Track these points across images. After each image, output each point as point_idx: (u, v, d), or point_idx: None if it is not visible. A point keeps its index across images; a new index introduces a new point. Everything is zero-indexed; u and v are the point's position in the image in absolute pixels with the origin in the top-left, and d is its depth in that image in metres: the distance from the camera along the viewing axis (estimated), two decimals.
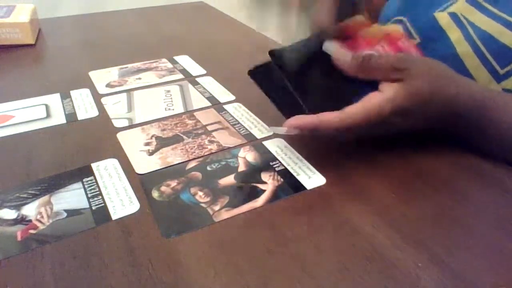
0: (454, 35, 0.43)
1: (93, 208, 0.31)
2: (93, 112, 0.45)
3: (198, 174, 0.35)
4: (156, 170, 0.36)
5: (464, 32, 0.42)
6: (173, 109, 0.46)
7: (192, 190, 0.33)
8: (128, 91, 0.50)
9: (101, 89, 0.50)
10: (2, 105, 0.46)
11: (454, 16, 0.43)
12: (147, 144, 0.39)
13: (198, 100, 0.48)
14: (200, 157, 0.38)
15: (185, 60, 0.59)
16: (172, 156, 0.38)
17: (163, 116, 0.44)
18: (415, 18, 0.47)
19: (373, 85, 0.34)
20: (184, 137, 0.41)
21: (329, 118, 0.32)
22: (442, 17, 0.44)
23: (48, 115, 0.44)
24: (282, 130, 0.34)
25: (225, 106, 0.47)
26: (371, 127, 0.33)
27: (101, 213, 0.31)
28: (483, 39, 0.40)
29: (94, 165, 0.36)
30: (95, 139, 0.40)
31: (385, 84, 0.34)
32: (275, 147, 0.39)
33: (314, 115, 0.33)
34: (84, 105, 0.46)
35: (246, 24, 0.76)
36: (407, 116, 0.34)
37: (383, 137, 0.37)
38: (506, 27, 0.39)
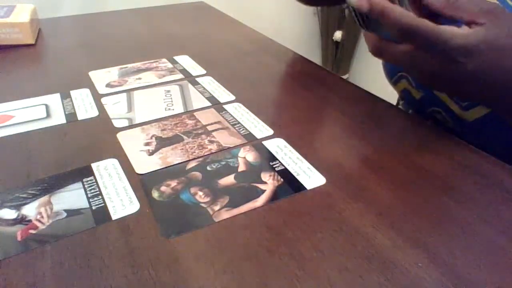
0: None
1: (93, 208, 0.31)
2: (93, 112, 0.45)
3: (198, 174, 0.35)
4: (156, 170, 0.36)
5: None
6: (173, 109, 0.46)
7: (192, 190, 0.33)
8: (128, 91, 0.50)
9: (101, 89, 0.50)
10: (2, 105, 0.46)
11: None
12: (147, 144, 0.39)
13: (198, 100, 0.48)
14: (200, 157, 0.38)
15: (185, 60, 0.59)
16: (172, 156, 0.38)
17: (163, 116, 0.44)
18: None
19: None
20: (184, 137, 0.41)
21: (400, 9, 0.32)
22: None
23: (48, 115, 0.44)
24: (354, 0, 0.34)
25: (225, 106, 0.47)
26: (433, 60, 0.33)
27: (101, 213, 0.31)
28: None
29: (94, 165, 0.36)
30: (95, 139, 0.40)
31: (465, 26, 0.33)
32: (275, 147, 0.39)
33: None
34: (84, 105, 0.46)
35: (246, 24, 0.76)
36: (474, 58, 0.32)
37: (439, 80, 0.36)
38: None
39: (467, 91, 0.36)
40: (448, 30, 0.32)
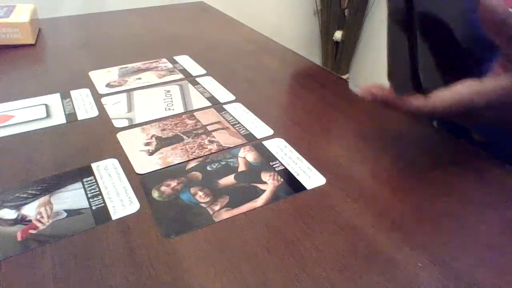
0: None
1: (93, 208, 0.31)
2: (93, 112, 0.45)
3: (198, 174, 0.35)
4: (156, 170, 0.36)
5: None
6: (173, 109, 0.46)
7: (192, 190, 0.33)
8: (128, 91, 0.50)
9: (101, 89, 0.50)
10: (2, 105, 0.46)
11: None
12: (147, 144, 0.39)
13: (198, 100, 0.48)
14: (200, 157, 0.38)
15: (185, 60, 0.59)
16: (172, 156, 0.38)
17: (163, 116, 0.44)
18: None
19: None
20: (184, 137, 0.41)
21: (406, 101, 0.31)
22: None
23: (48, 115, 0.44)
24: (357, 89, 0.33)
25: (225, 106, 0.47)
26: (454, 115, 0.32)
27: (101, 213, 0.31)
28: None
29: (94, 165, 0.36)
30: (95, 139, 0.40)
31: (491, 76, 0.30)
32: (275, 147, 0.39)
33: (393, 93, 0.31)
34: (84, 105, 0.46)
35: (246, 24, 0.76)
36: (497, 110, 0.31)
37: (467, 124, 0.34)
38: None
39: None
40: (458, 94, 0.30)
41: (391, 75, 0.32)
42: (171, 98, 0.48)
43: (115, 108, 0.46)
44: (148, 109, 0.46)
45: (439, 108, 0.30)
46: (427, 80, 0.30)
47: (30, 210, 0.31)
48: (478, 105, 0.30)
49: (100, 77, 0.53)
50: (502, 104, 0.30)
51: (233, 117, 0.44)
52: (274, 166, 0.36)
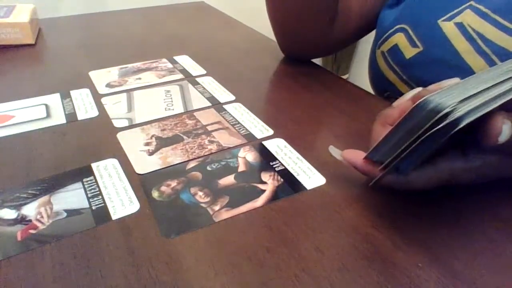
0: (461, 46, 0.41)
1: (93, 208, 0.31)
2: (93, 112, 0.45)
3: (198, 174, 0.35)
4: (156, 170, 0.36)
5: (473, 44, 0.40)
6: (173, 109, 0.46)
7: (192, 190, 0.33)
8: (128, 91, 0.50)
9: (101, 89, 0.50)
10: (2, 105, 0.46)
11: (460, 26, 0.41)
12: (147, 144, 0.39)
13: (198, 100, 0.48)
14: (200, 157, 0.38)
15: (185, 60, 0.59)
16: (172, 156, 0.38)
17: (163, 116, 0.44)
18: (418, 25, 0.45)
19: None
20: (184, 137, 0.41)
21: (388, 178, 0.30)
22: (447, 27, 0.42)
23: (48, 115, 0.44)
24: (337, 154, 0.33)
25: (225, 106, 0.47)
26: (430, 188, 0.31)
27: (101, 213, 0.31)
28: (498, 54, 0.38)
29: (94, 165, 0.36)
30: (95, 139, 0.40)
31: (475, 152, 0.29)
32: (275, 147, 0.39)
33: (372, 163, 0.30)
34: (84, 105, 0.46)
35: (246, 24, 0.76)
36: (484, 175, 0.31)
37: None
38: None
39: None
40: (440, 172, 0.29)
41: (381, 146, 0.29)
42: (171, 98, 0.48)
43: (115, 108, 0.46)
44: (148, 109, 0.46)
45: (416, 187, 0.30)
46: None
47: (30, 210, 0.31)
48: (462, 179, 0.30)
49: (100, 77, 0.53)
50: (485, 177, 0.31)
51: (233, 117, 0.44)
52: (274, 166, 0.36)
